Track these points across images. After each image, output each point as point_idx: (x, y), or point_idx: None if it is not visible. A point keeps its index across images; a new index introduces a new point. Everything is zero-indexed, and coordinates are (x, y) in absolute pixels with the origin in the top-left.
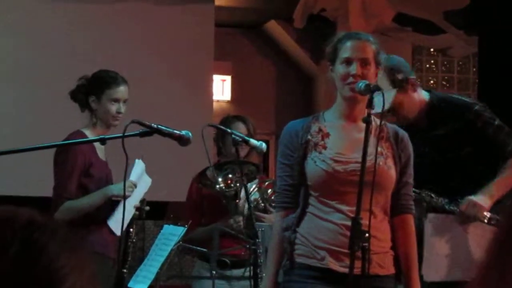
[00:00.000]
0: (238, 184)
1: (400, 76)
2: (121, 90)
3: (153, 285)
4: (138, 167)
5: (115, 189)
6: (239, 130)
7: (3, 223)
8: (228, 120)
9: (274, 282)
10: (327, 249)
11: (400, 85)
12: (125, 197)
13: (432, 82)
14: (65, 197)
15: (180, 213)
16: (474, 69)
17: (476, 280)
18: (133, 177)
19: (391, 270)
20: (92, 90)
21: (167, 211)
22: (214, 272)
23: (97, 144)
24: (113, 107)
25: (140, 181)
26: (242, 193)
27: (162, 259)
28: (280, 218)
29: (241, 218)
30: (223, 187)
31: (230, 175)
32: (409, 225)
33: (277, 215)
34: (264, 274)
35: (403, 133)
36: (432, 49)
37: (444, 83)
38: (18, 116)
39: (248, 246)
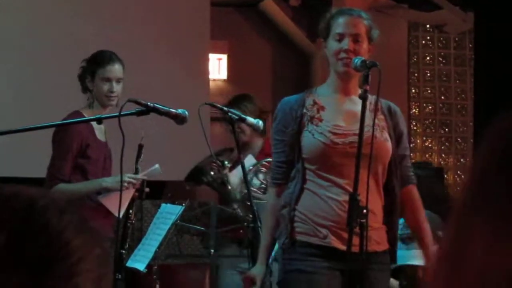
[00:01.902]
0: (224, 172)
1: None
2: (113, 69)
3: (151, 264)
4: (154, 172)
5: (109, 181)
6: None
7: (2, 198)
8: (239, 99)
9: (268, 255)
10: (329, 226)
11: None
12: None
13: (428, 58)
14: (58, 178)
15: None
16: (470, 45)
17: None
18: (141, 177)
19: (386, 245)
20: (88, 70)
21: (165, 190)
22: (212, 250)
23: (95, 125)
24: (105, 86)
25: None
26: (232, 180)
27: (160, 238)
28: (272, 194)
29: (235, 206)
30: (210, 179)
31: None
32: (415, 195)
33: (270, 190)
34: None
35: (395, 107)
36: (428, 26)
37: (441, 59)
38: (17, 98)
39: (246, 224)
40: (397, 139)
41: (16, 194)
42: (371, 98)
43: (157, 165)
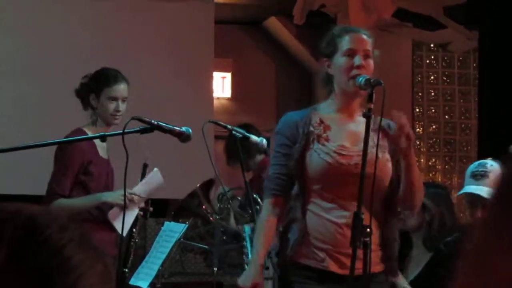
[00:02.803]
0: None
1: None
2: (120, 89)
3: (154, 282)
4: (154, 178)
5: (109, 196)
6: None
7: (5, 215)
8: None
9: (263, 262)
10: (326, 249)
11: None
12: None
13: (432, 77)
14: (58, 193)
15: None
16: (475, 65)
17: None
18: (142, 186)
19: (381, 266)
20: (92, 88)
21: (168, 208)
22: (215, 269)
23: (98, 142)
24: (112, 106)
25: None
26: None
27: (163, 256)
28: (268, 204)
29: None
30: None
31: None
32: None
33: (265, 201)
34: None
35: (395, 127)
36: (432, 45)
37: (445, 78)
38: (18, 114)
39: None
40: (397, 159)
41: (18, 211)
42: (373, 118)
43: (155, 169)
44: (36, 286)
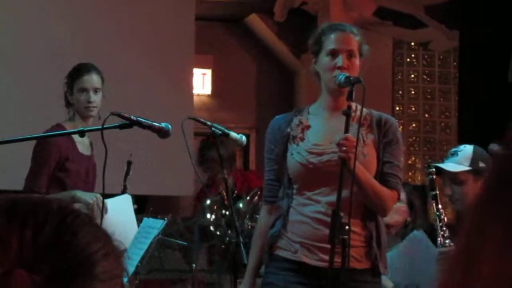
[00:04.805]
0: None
1: (483, 165)
2: (90, 79)
3: (132, 278)
4: (123, 201)
5: (82, 194)
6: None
7: (37, 206)
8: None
9: (254, 277)
10: (300, 242)
11: (479, 173)
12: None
13: (413, 76)
14: (33, 190)
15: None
16: (455, 63)
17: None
18: (112, 205)
19: (367, 264)
20: (68, 84)
21: (147, 205)
22: (194, 265)
23: (77, 138)
24: (83, 97)
25: (119, 215)
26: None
27: (141, 252)
28: (264, 212)
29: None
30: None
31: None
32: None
33: (262, 209)
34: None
35: (388, 118)
36: (413, 43)
37: (425, 77)
38: None
39: (228, 239)
40: (383, 149)
41: (46, 202)
42: (365, 112)
43: (127, 195)
44: (55, 274)
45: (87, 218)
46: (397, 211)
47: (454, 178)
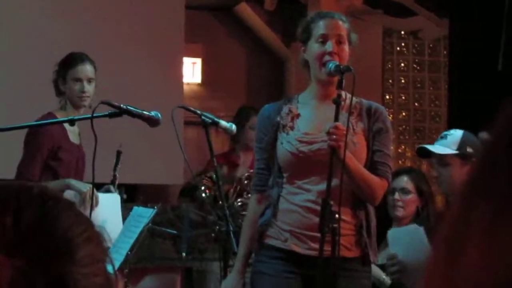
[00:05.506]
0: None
1: (470, 151)
2: (84, 69)
3: (122, 267)
4: (112, 201)
5: (76, 182)
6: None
7: (18, 191)
8: (245, 111)
9: (244, 264)
10: (290, 231)
11: (466, 158)
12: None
13: (403, 65)
14: (26, 177)
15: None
16: (445, 52)
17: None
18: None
19: (357, 252)
20: (59, 73)
21: (137, 193)
22: (184, 254)
23: (68, 127)
24: (77, 87)
25: (107, 211)
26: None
27: (131, 241)
28: (253, 200)
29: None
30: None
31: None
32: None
33: (252, 197)
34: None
35: (378, 107)
36: (403, 32)
37: (415, 66)
38: None
39: (218, 228)
40: (372, 137)
41: (27, 187)
42: (354, 101)
43: (116, 195)
44: (36, 257)
45: (68, 203)
46: None
47: (441, 160)
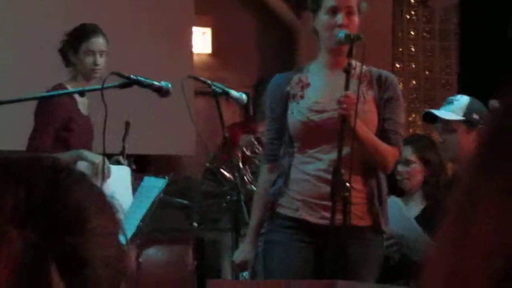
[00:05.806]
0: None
1: (476, 117)
2: (97, 42)
3: (134, 238)
4: (123, 173)
5: (89, 153)
6: None
7: (30, 163)
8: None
9: (256, 235)
10: (302, 200)
11: (472, 125)
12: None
13: (413, 33)
14: (38, 148)
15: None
16: (455, 20)
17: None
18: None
19: (369, 221)
20: (71, 44)
21: (149, 164)
22: (196, 224)
23: (78, 98)
24: (90, 59)
25: (118, 183)
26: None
27: (143, 211)
28: (264, 170)
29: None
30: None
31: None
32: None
33: (262, 167)
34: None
35: (388, 75)
36: (412, 0)
37: (425, 34)
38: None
39: (229, 197)
40: (384, 103)
41: (38, 158)
42: (364, 69)
43: (127, 167)
44: (48, 230)
45: (81, 175)
46: None
47: (446, 125)
